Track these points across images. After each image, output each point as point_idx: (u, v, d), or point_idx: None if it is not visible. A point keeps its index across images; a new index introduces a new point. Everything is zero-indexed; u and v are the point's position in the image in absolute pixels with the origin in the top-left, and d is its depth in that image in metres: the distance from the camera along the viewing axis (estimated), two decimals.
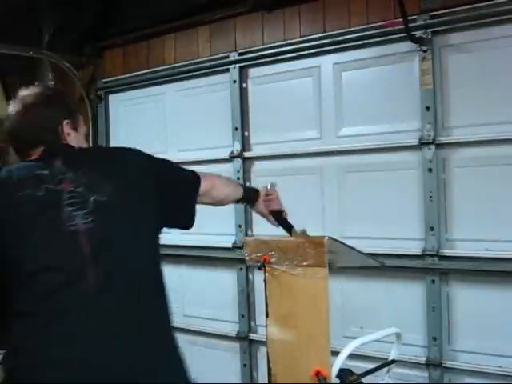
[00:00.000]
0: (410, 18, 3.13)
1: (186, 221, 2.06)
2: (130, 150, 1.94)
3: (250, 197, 2.34)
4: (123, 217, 1.72)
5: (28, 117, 1.83)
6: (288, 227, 2.32)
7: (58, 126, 1.86)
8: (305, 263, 1.98)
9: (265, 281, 2.13)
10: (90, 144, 4.22)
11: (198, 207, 4.61)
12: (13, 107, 1.86)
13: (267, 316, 2.12)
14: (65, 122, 1.87)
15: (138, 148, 1.94)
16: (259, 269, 2.12)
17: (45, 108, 1.86)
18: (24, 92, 1.89)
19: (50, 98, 1.91)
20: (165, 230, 4.64)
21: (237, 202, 2.39)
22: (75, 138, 1.89)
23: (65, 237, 1.63)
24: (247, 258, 2.18)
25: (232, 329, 4.04)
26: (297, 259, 2.00)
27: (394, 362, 2.60)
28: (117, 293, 1.63)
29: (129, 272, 1.67)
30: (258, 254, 2.13)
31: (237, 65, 3.98)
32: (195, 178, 2.06)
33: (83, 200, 1.67)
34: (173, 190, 1.94)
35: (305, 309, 2.02)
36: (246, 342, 3.98)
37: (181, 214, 2.03)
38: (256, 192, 2.36)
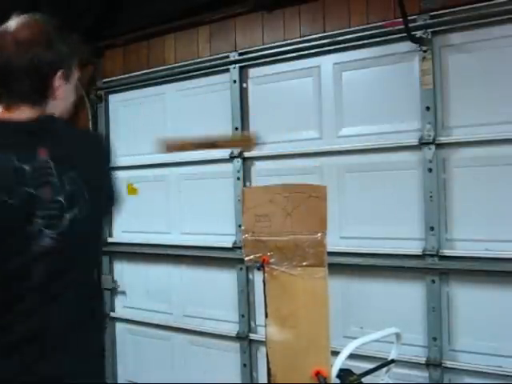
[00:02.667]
0: (410, 18, 3.13)
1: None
2: (107, 154, 1.66)
3: None
4: (89, 241, 1.53)
5: (17, 57, 1.44)
6: None
7: (50, 76, 1.48)
8: (304, 263, 1.98)
9: (264, 281, 2.13)
10: None
11: (197, 206, 4.61)
12: None
13: (266, 316, 2.12)
14: (60, 72, 1.49)
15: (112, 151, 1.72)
16: (258, 269, 2.12)
17: (41, 49, 1.46)
18: (15, 22, 1.50)
19: (50, 37, 1.50)
20: (165, 229, 4.62)
21: None
22: (64, 92, 1.53)
23: (27, 258, 1.40)
24: (246, 258, 2.18)
25: (232, 329, 4.04)
26: (296, 259, 2.00)
27: (393, 361, 2.60)
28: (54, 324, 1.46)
29: (71, 290, 1.49)
30: (257, 255, 2.12)
31: (237, 65, 3.97)
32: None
33: (59, 215, 1.42)
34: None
35: (304, 309, 2.02)
36: (246, 341, 3.98)
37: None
38: None
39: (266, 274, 2.09)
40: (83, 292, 1.53)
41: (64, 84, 1.52)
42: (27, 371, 1.42)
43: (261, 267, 2.09)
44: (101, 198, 1.56)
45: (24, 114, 1.48)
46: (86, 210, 1.46)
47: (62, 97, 1.53)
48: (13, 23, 1.50)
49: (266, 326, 2.12)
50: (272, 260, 2.05)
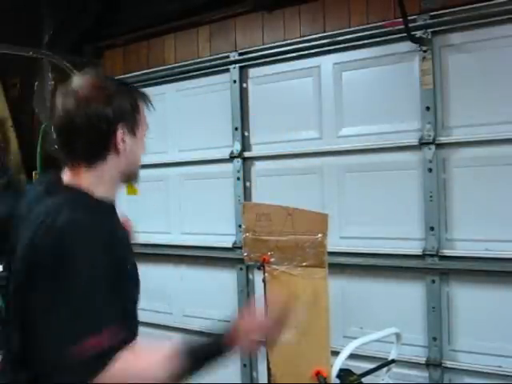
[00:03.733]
0: (410, 18, 3.13)
1: None
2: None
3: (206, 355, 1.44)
4: None
5: (76, 116, 1.41)
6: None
7: (111, 131, 1.44)
8: (304, 264, 1.99)
9: (264, 281, 2.13)
10: None
11: (197, 206, 4.61)
12: (59, 99, 1.45)
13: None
14: (121, 126, 1.45)
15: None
16: (258, 269, 2.12)
17: (99, 104, 1.43)
18: (78, 80, 1.46)
19: (108, 90, 1.46)
20: (165, 229, 4.62)
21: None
22: (132, 146, 1.48)
23: None
24: (246, 257, 2.18)
25: None
26: (296, 259, 2.00)
27: (393, 361, 2.60)
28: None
29: None
30: (257, 254, 2.12)
31: (237, 65, 3.97)
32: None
33: None
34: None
35: (305, 309, 2.02)
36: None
37: None
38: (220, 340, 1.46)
39: (266, 274, 2.09)
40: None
41: (129, 138, 1.48)
42: None
43: (261, 266, 2.09)
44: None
45: (70, 177, 1.48)
46: None
47: (127, 151, 1.48)
48: (75, 81, 1.48)
49: None
50: (272, 260, 2.05)
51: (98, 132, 1.43)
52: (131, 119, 1.49)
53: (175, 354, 1.35)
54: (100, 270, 1.34)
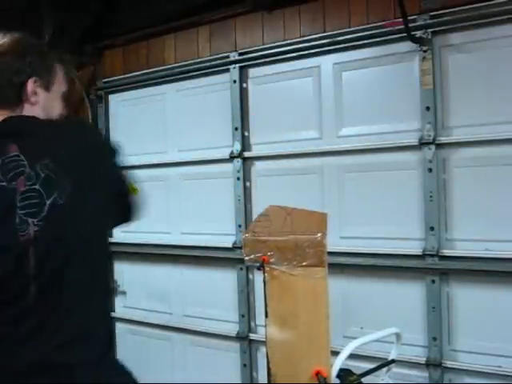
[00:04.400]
0: (410, 18, 3.13)
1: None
2: (97, 143, 1.73)
3: None
4: (77, 228, 1.52)
5: None
6: None
7: (22, 82, 1.61)
8: (304, 263, 1.98)
9: (264, 281, 2.12)
10: None
11: (197, 206, 4.60)
12: None
13: (267, 316, 2.11)
14: (32, 79, 1.62)
15: (113, 144, 1.82)
16: (258, 269, 2.12)
17: (12, 58, 1.60)
18: (2, 38, 1.64)
19: (22, 47, 1.64)
20: (164, 229, 4.60)
21: None
22: (45, 99, 1.66)
23: (14, 249, 1.44)
24: (246, 258, 2.18)
25: (232, 329, 4.04)
26: (296, 259, 2.00)
27: (393, 361, 2.60)
28: (53, 308, 1.49)
29: (68, 286, 1.51)
30: (257, 254, 2.12)
31: (237, 65, 3.97)
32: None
33: (39, 202, 1.46)
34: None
35: (305, 309, 2.02)
36: (246, 342, 3.98)
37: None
38: None
39: (266, 274, 2.09)
40: (83, 282, 1.54)
41: (42, 92, 1.65)
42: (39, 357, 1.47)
43: (261, 267, 2.09)
44: (92, 188, 1.56)
45: (1, 117, 1.59)
46: (68, 196, 1.48)
47: (41, 104, 1.65)
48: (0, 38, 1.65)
49: (266, 325, 2.11)
50: (272, 260, 2.05)
51: (9, 81, 1.60)
52: (44, 76, 1.65)
53: None
54: None
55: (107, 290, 1.72)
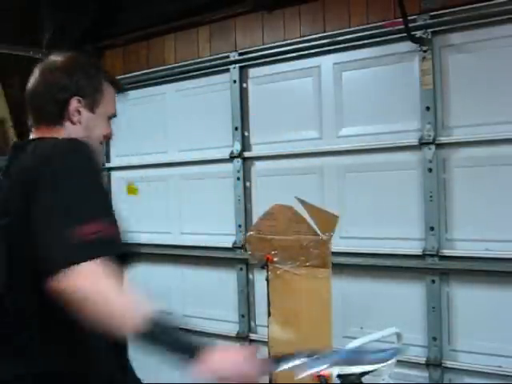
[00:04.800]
0: (410, 18, 3.13)
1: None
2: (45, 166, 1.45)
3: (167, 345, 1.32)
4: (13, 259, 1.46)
5: (38, 82, 1.62)
6: None
7: (65, 100, 1.60)
8: (308, 263, 1.99)
9: (267, 279, 2.13)
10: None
11: (197, 206, 4.59)
12: (35, 69, 1.66)
13: (269, 315, 2.12)
14: (74, 98, 1.60)
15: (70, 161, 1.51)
16: (262, 267, 2.12)
17: (60, 75, 1.61)
18: (53, 56, 1.67)
19: (72, 65, 1.64)
20: (165, 229, 4.61)
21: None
22: (88, 119, 1.63)
23: None
24: (250, 256, 2.18)
25: (232, 329, 4.04)
26: (300, 259, 2.00)
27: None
28: None
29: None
30: (261, 253, 2.13)
31: (237, 65, 3.97)
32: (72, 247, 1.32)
33: None
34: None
35: (307, 308, 2.02)
36: (246, 342, 3.98)
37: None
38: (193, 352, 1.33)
39: (269, 273, 2.09)
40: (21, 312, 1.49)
41: (85, 112, 1.63)
42: None
43: (265, 265, 2.09)
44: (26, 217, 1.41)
45: (36, 135, 1.63)
46: (6, 221, 1.46)
47: (84, 124, 1.63)
48: (51, 56, 1.68)
49: (268, 324, 2.12)
50: (276, 259, 2.05)
51: (53, 98, 1.60)
52: (90, 96, 1.64)
53: (148, 315, 1.30)
54: (92, 175, 1.49)
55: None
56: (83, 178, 1.44)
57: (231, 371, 1.30)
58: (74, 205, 1.37)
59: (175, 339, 1.33)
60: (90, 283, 1.29)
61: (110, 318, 1.30)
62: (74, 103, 1.61)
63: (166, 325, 1.33)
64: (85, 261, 1.29)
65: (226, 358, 1.34)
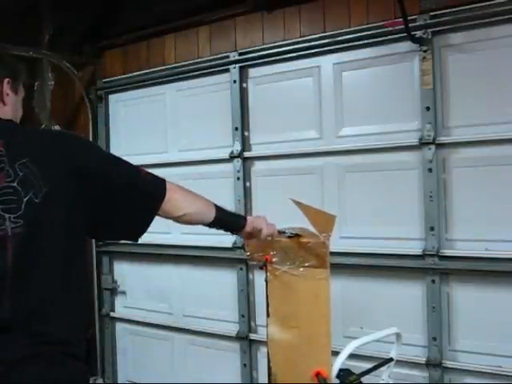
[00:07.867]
0: (410, 18, 3.12)
1: (131, 233, 2.01)
2: (80, 142, 1.77)
3: (229, 223, 2.10)
4: (52, 226, 1.56)
5: None
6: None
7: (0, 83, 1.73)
8: (306, 264, 1.99)
9: (266, 280, 2.13)
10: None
11: None
12: None
13: (268, 316, 2.12)
14: (6, 80, 1.73)
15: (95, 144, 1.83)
16: (261, 268, 2.12)
17: None
18: None
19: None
20: (165, 229, 4.62)
21: (209, 226, 2.07)
22: (13, 100, 1.76)
23: None
24: (248, 256, 2.18)
25: (232, 329, 4.04)
26: (298, 260, 2.01)
27: (391, 360, 2.59)
28: (28, 310, 1.52)
29: (38, 285, 1.55)
30: (260, 254, 2.13)
31: (237, 65, 3.97)
32: (157, 186, 1.86)
33: (16, 199, 1.51)
34: (123, 198, 1.79)
35: (306, 309, 2.02)
36: (246, 342, 3.98)
37: (128, 225, 1.98)
38: (242, 220, 2.09)
39: (268, 273, 2.09)
40: (57, 279, 1.57)
41: (12, 93, 1.75)
42: None
43: (263, 266, 2.09)
44: (73, 185, 1.62)
45: None
46: (43, 196, 1.53)
47: (11, 106, 1.75)
48: None
49: (267, 325, 2.12)
50: (275, 259, 2.06)
51: None
52: (14, 79, 1.76)
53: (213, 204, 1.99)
54: None
55: (81, 290, 1.69)
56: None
57: (263, 225, 2.01)
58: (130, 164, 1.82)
59: (231, 217, 2.10)
60: (178, 193, 1.88)
61: (201, 209, 1.96)
62: (5, 85, 1.73)
63: (223, 208, 2.03)
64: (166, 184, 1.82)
65: (259, 219, 2.04)
